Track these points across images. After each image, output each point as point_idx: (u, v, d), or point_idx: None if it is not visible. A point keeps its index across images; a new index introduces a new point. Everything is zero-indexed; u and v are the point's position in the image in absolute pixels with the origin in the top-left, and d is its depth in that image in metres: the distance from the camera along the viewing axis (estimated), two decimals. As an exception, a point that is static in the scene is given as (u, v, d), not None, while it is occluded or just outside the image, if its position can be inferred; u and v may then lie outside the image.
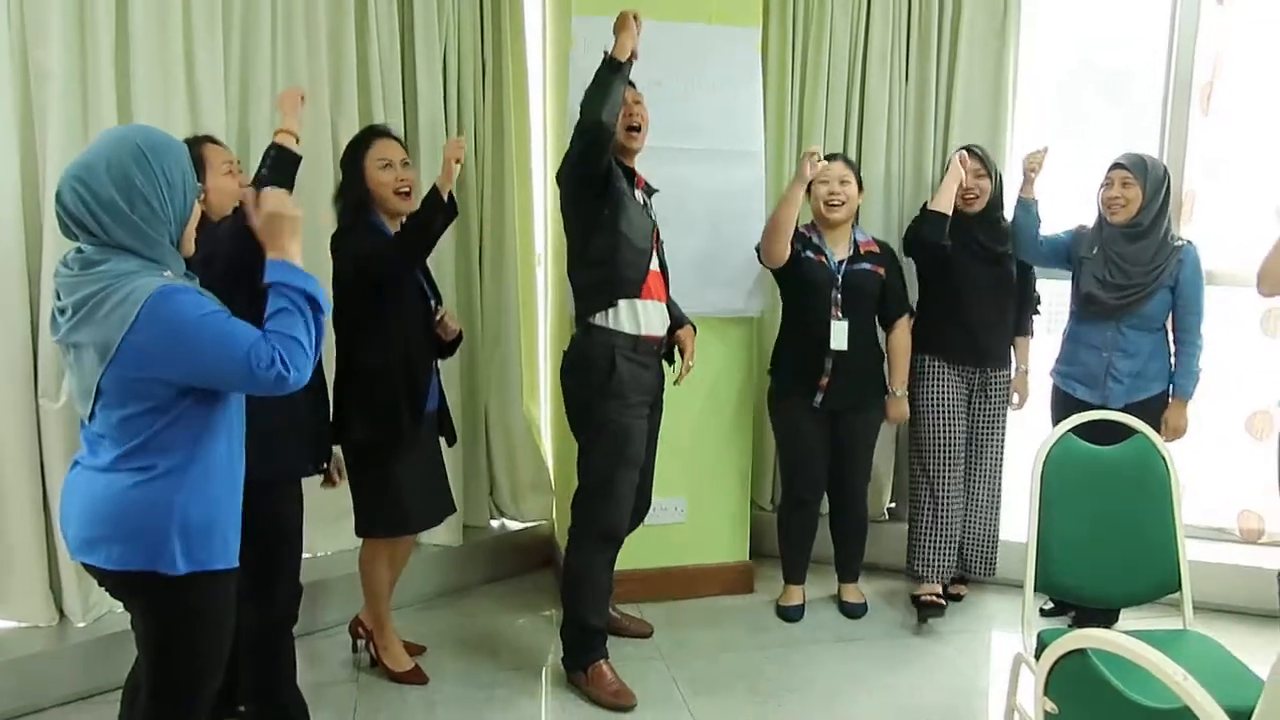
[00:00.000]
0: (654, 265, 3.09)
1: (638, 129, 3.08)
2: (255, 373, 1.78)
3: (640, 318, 3.00)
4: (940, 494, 3.63)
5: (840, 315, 3.45)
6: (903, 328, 3.60)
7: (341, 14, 3.45)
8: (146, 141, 1.85)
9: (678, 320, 3.21)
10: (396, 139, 3.00)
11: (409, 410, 2.91)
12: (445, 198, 2.83)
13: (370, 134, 2.99)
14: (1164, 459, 2.58)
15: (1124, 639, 1.38)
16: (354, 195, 2.92)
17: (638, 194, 3.10)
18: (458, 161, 2.85)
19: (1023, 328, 3.73)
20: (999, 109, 3.97)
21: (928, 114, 4.00)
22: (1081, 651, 1.44)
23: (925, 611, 3.59)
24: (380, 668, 3.18)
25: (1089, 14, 4.58)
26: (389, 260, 2.85)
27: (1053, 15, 4.20)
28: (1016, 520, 3.87)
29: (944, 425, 3.62)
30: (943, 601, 3.64)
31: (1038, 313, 3.78)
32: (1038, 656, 2.43)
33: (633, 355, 3.00)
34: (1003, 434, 3.74)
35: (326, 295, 1.94)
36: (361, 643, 3.26)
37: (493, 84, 3.84)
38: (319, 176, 3.41)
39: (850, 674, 3.28)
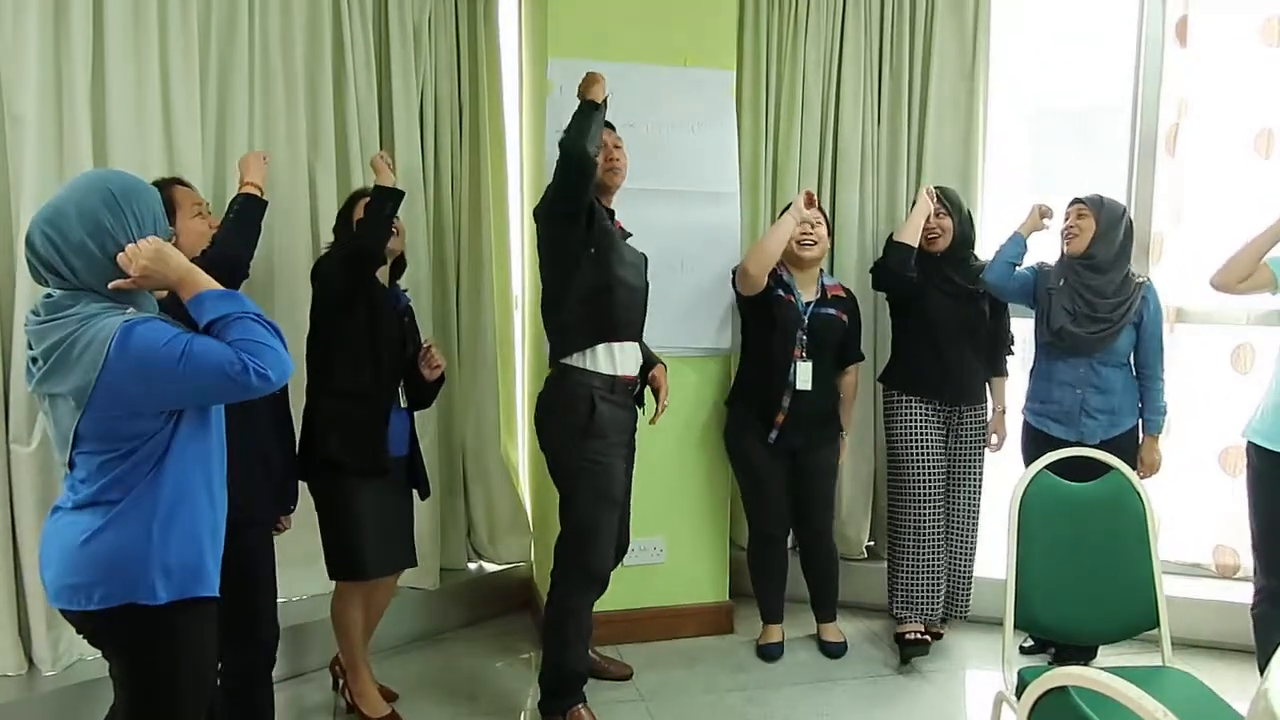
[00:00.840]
0: None
1: (616, 170, 3.12)
2: (234, 379, 1.79)
3: (616, 358, 3.02)
4: (921, 532, 3.62)
5: (805, 356, 3.48)
6: (853, 373, 3.73)
7: (319, 59, 3.46)
8: (117, 184, 1.88)
9: (649, 360, 3.22)
10: None
11: (372, 441, 2.91)
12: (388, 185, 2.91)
13: (357, 196, 3.05)
14: (1140, 495, 2.60)
15: (1105, 676, 1.38)
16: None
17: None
18: (380, 157, 2.95)
19: (998, 368, 3.77)
20: (970, 149, 4.03)
21: (900, 155, 4.06)
22: (1063, 689, 1.44)
23: (909, 650, 3.58)
24: (356, 713, 3.13)
25: (1054, 58, 4.67)
26: (353, 249, 2.88)
27: (1019, 59, 4.29)
28: (993, 558, 3.91)
29: (921, 463, 3.62)
30: (927, 639, 3.63)
31: (1011, 352, 3.81)
32: (1018, 694, 2.43)
33: (609, 396, 3.00)
34: (979, 473, 3.75)
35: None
36: (341, 683, 3.23)
37: (469, 128, 3.86)
38: (295, 226, 3.42)
39: (831, 714, 3.26)
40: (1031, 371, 3.58)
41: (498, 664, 3.59)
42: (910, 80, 4.05)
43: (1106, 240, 3.34)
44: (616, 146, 3.13)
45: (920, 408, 3.64)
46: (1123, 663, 2.65)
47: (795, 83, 4.00)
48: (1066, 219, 3.42)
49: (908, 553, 3.65)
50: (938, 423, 3.66)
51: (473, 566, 4.04)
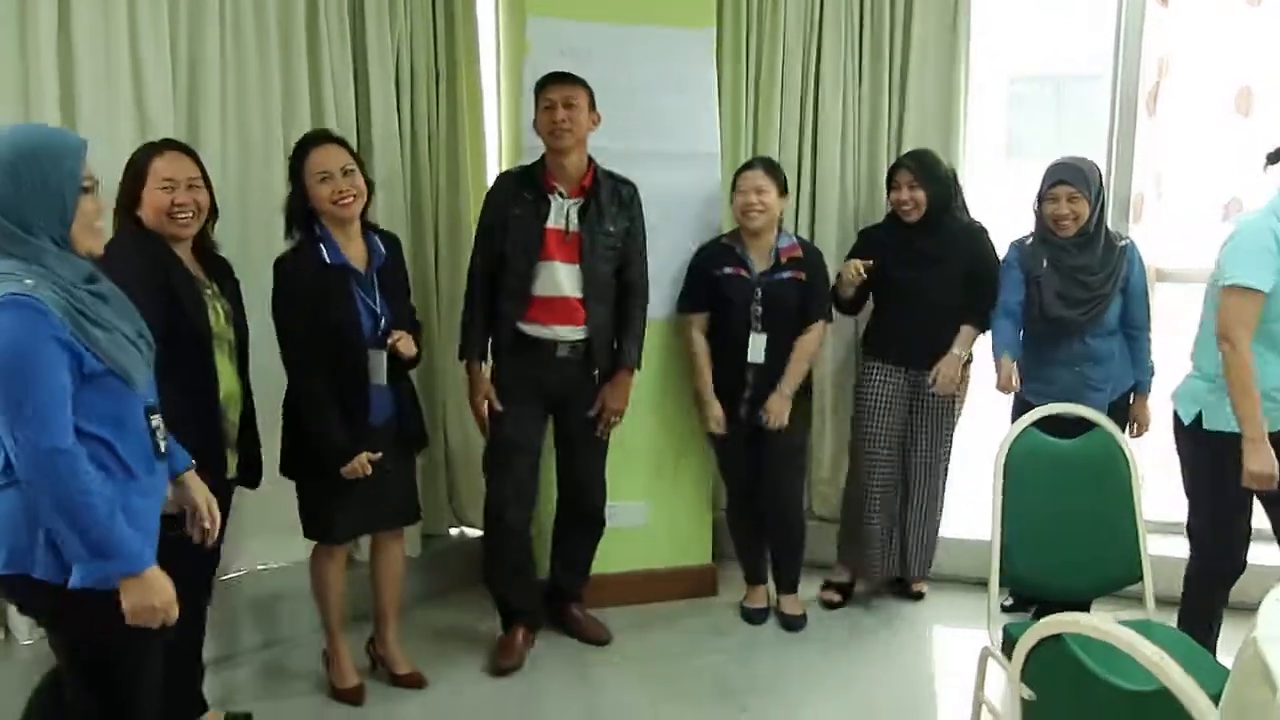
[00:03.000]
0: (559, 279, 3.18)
1: (567, 130, 3.11)
2: (19, 444, 1.75)
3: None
4: (872, 493, 3.66)
5: (759, 328, 3.44)
6: (815, 331, 3.51)
7: (292, 22, 3.37)
8: (20, 143, 1.82)
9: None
10: (337, 141, 2.94)
11: (341, 427, 2.85)
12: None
13: (306, 143, 2.91)
14: (1124, 451, 2.61)
15: (1099, 621, 1.38)
16: (298, 209, 2.88)
17: (555, 199, 3.17)
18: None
19: (969, 318, 3.56)
20: (951, 111, 3.99)
21: (881, 114, 4.02)
22: (1057, 638, 1.44)
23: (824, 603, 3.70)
24: (384, 671, 3.20)
25: (1035, 18, 4.66)
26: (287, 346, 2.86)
27: (1000, 19, 4.26)
28: (968, 518, 3.92)
29: (878, 426, 3.64)
30: (837, 598, 3.77)
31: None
32: (1004, 651, 2.45)
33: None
34: (947, 433, 3.73)
35: None
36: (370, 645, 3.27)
37: (446, 91, 3.79)
38: (269, 189, 3.33)
39: (815, 674, 3.29)
40: (1024, 354, 3.47)
41: (480, 627, 3.56)
42: (891, 39, 3.98)
43: (1093, 213, 3.29)
44: (567, 105, 3.11)
45: (884, 371, 3.63)
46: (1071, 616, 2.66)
47: (776, 41, 3.95)
48: (1055, 202, 3.26)
49: (853, 511, 3.72)
50: (903, 387, 3.64)
51: (454, 532, 4.02)
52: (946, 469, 3.76)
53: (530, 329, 3.20)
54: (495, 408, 3.23)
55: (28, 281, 1.77)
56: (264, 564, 3.48)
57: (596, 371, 3.27)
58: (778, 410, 3.44)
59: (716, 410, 3.49)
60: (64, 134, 1.94)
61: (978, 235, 3.64)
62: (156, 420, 2.00)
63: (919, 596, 3.83)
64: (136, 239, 2.51)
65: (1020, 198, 3.53)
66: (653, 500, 3.77)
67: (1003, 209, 3.79)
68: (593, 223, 3.19)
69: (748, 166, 3.49)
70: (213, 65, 3.21)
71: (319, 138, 2.93)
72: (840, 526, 3.87)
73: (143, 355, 1.96)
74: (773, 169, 3.50)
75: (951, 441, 3.76)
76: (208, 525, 2.23)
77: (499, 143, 4.03)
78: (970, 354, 3.66)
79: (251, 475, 2.77)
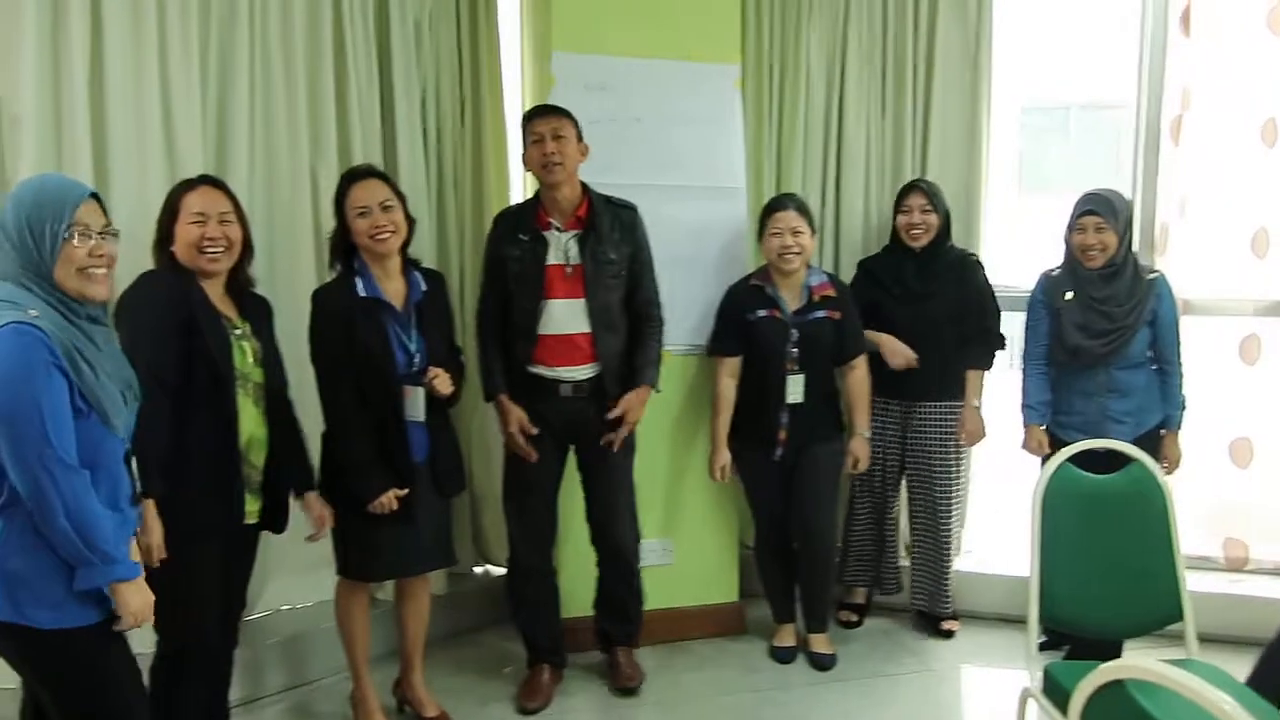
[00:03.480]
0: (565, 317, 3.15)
1: (558, 163, 3.08)
2: (24, 463, 1.83)
3: None
4: (858, 513, 3.81)
5: (796, 369, 3.41)
6: (860, 366, 3.53)
7: (319, 59, 3.40)
8: (23, 192, 1.97)
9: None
10: (379, 176, 2.93)
11: (371, 461, 2.84)
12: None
13: (347, 178, 2.93)
14: (1161, 486, 2.58)
15: (1163, 667, 1.34)
16: (339, 243, 2.91)
17: (551, 235, 3.14)
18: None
19: (971, 361, 3.64)
20: (974, 141, 3.99)
21: (905, 146, 4.02)
22: (1118, 682, 1.41)
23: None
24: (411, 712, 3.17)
25: (1045, 52, 4.66)
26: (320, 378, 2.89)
27: (1011, 49, 4.25)
28: (990, 552, 3.89)
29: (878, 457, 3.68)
30: (854, 618, 3.86)
31: (1001, 347, 3.73)
32: (1044, 692, 2.41)
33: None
34: (950, 466, 3.69)
35: None
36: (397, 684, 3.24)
37: (471, 126, 3.82)
38: (295, 224, 3.37)
39: (848, 714, 3.22)
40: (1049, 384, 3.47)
41: (506, 669, 3.52)
42: (914, 71, 4.00)
43: (1121, 244, 3.27)
44: (556, 137, 3.08)
45: (877, 404, 3.65)
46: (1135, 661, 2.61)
47: (799, 74, 3.96)
48: (1083, 232, 3.25)
49: (843, 534, 3.81)
50: (892, 420, 3.69)
51: (478, 571, 3.99)
52: (955, 500, 3.73)
53: (537, 370, 3.15)
54: (530, 432, 3.17)
55: (32, 311, 1.87)
56: (288, 604, 3.46)
57: (609, 402, 3.19)
58: (866, 453, 3.51)
59: (724, 459, 3.49)
60: (64, 183, 2.01)
61: (972, 266, 3.68)
62: (130, 465, 2.08)
63: (949, 635, 3.77)
64: (161, 275, 2.50)
65: (1035, 228, 3.53)
66: (678, 537, 3.73)
67: (1017, 239, 3.78)
68: (594, 252, 3.13)
69: (779, 206, 3.45)
70: (241, 103, 3.24)
71: (360, 173, 2.92)
72: (841, 549, 3.83)
73: (125, 400, 2.02)
74: (804, 209, 3.49)
75: (957, 473, 3.73)
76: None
77: (523, 176, 4.03)
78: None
79: (277, 521, 2.72)
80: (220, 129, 3.23)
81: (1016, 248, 3.76)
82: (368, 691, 3.08)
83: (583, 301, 3.13)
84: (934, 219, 3.57)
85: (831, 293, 3.48)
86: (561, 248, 3.13)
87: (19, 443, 1.83)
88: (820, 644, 3.60)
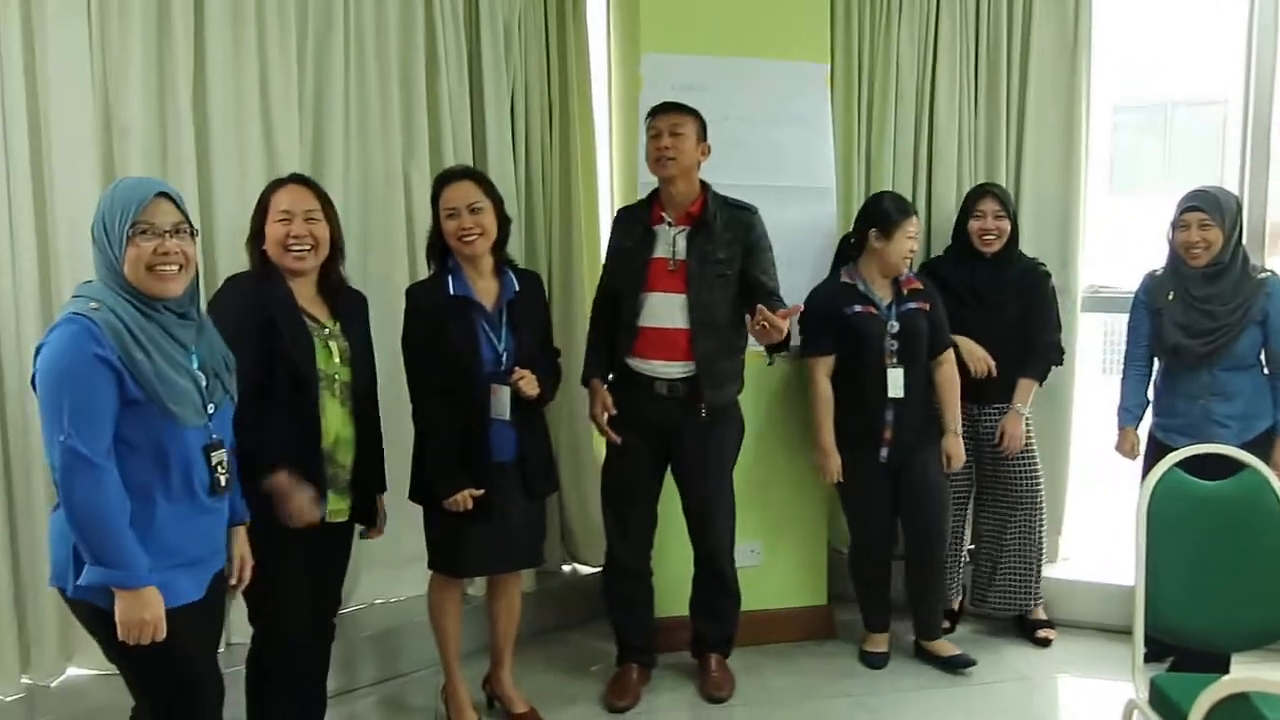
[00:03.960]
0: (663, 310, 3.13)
1: (671, 158, 3.07)
2: (53, 450, 1.90)
3: None
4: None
5: (895, 362, 3.37)
6: (949, 361, 3.49)
7: (412, 63, 3.47)
8: (110, 191, 2.05)
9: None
10: (473, 178, 2.94)
11: (450, 458, 2.86)
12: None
13: (440, 181, 2.95)
14: (1276, 494, 2.48)
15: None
16: (434, 242, 2.95)
17: (661, 229, 3.14)
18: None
19: (1028, 370, 3.58)
20: (1072, 140, 3.89)
21: (999, 146, 3.93)
22: (1242, 696, 1.35)
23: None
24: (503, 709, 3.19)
25: (1153, 44, 4.52)
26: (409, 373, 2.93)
27: (1105, 44, 4.13)
28: (1108, 563, 3.82)
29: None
30: (945, 624, 3.71)
31: (1059, 361, 3.66)
32: (1151, 705, 2.33)
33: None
34: (1023, 466, 3.63)
35: None
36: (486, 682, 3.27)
37: (560, 126, 3.85)
38: (389, 223, 3.44)
39: (945, 722, 3.17)
40: (1155, 386, 3.40)
41: (594, 667, 3.53)
42: (1009, 67, 3.91)
43: (1228, 243, 3.17)
44: (674, 134, 3.07)
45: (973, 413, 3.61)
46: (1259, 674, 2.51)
47: (889, 73, 3.91)
48: (1186, 229, 3.18)
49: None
50: (968, 424, 3.59)
51: (566, 569, 4.01)
52: (1035, 501, 3.65)
53: (634, 363, 3.16)
54: (611, 411, 3.18)
55: (92, 304, 1.94)
56: (382, 599, 3.52)
57: (703, 407, 3.12)
58: (959, 452, 3.46)
59: (837, 463, 3.44)
60: (134, 184, 2.05)
61: (1041, 277, 3.62)
62: (218, 457, 2.09)
63: (1045, 644, 3.68)
64: (242, 279, 2.55)
65: (1125, 231, 3.43)
66: (767, 539, 3.71)
67: (1109, 243, 3.68)
68: (702, 250, 3.09)
69: (906, 212, 3.41)
70: (337, 108, 3.32)
71: (453, 175, 2.94)
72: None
73: (199, 392, 2.05)
74: (917, 212, 3.54)
75: (1032, 475, 3.65)
76: (233, 581, 2.31)
77: (610, 178, 4.05)
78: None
79: (367, 518, 2.75)
80: (316, 132, 3.32)
81: (1106, 250, 3.65)
82: (459, 686, 3.11)
83: (683, 297, 3.10)
84: (1006, 225, 3.53)
85: (919, 285, 3.47)
86: (669, 242, 3.13)
87: (46, 426, 1.91)
88: (946, 648, 3.56)
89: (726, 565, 3.31)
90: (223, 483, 2.11)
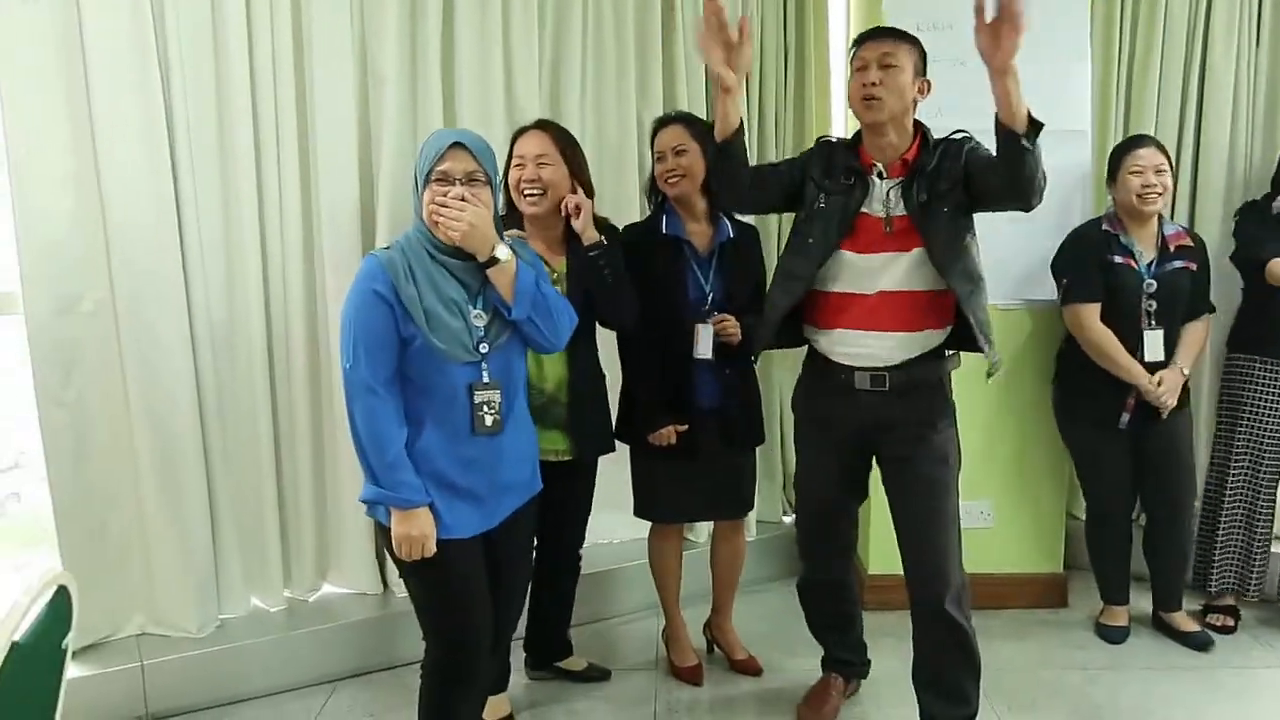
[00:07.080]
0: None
1: (879, 98, 2.44)
2: (344, 375, 2.08)
3: None
4: (1232, 501, 3.39)
5: (1153, 324, 3.12)
6: (1204, 322, 3.26)
7: (648, 8, 3.48)
8: (423, 142, 2.18)
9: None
10: (683, 121, 2.91)
11: (656, 393, 2.88)
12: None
13: (656, 125, 2.97)
14: None
15: None
16: (652, 186, 3.00)
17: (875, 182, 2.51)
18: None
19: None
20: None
21: (1283, 81, 3.55)
22: None
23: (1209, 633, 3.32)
24: (721, 653, 3.26)
25: None
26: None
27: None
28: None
29: (1262, 430, 3.30)
30: (1230, 623, 3.43)
31: None
32: None
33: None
34: None
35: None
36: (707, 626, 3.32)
37: (795, 69, 3.78)
38: (623, 167, 3.49)
39: (1192, 707, 2.96)
40: None
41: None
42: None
43: None
44: (884, 66, 2.41)
45: (1266, 366, 3.29)
46: None
47: (1155, 6, 3.58)
48: None
49: (1226, 520, 3.41)
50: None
51: (788, 520, 3.98)
52: None
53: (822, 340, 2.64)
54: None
55: (387, 246, 2.15)
56: (605, 540, 3.61)
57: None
58: (1174, 384, 3.14)
59: (1160, 380, 3.13)
60: (437, 135, 2.14)
61: None
62: (483, 396, 2.12)
63: (1230, 630, 3.41)
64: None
65: None
66: (1000, 499, 3.56)
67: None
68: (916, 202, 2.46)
69: (1138, 144, 3.18)
70: (574, 57, 3.39)
71: (668, 119, 2.96)
72: (1207, 537, 3.48)
73: (469, 331, 2.10)
74: (1164, 149, 3.21)
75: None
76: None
77: (845, 124, 3.93)
78: None
79: (586, 452, 2.80)
80: (554, 81, 3.40)
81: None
82: (679, 629, 3.17)
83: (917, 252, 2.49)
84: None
85: (1188, 242, 3.21)
86: (883, 196, 2.50)
87: (343, 358, 2.08)
88: (1187, 622, 3.36)
89: (956, 617, 2.61)
90: (488, 422, 2.13)
